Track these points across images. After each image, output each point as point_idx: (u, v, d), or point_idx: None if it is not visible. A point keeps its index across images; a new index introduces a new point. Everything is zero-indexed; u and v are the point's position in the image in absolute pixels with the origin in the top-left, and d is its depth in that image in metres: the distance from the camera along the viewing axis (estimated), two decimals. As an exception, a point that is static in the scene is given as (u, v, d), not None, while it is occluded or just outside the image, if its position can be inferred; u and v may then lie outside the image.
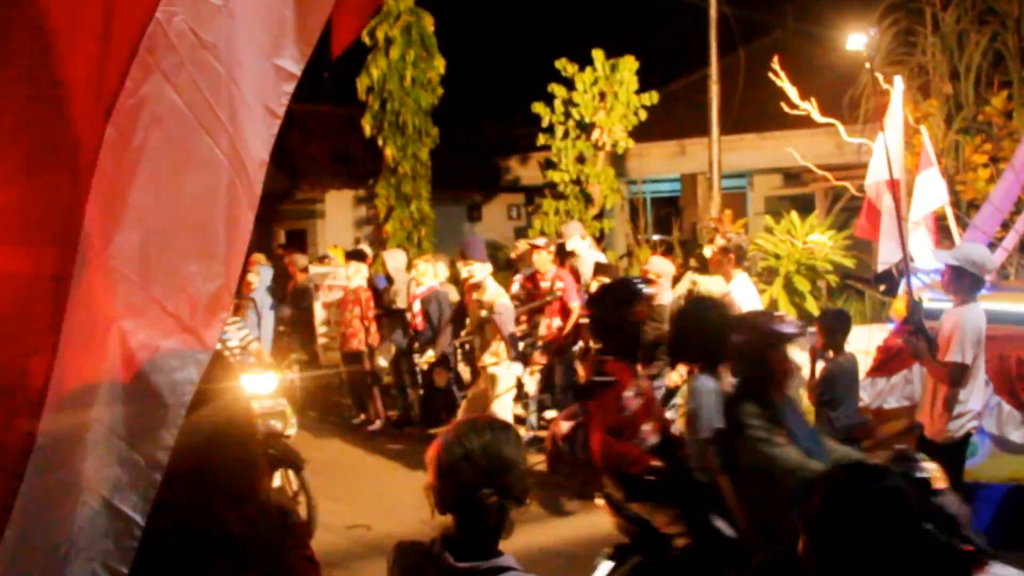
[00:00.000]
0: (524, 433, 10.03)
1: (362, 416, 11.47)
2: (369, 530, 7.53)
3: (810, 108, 10.50)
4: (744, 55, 15.06)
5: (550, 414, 10.41)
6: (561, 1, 23.79)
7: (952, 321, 6.05)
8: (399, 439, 10.60)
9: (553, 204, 14.91)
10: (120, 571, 1.80)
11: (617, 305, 5.63)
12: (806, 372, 7.34)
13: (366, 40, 14.51)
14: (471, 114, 20.82)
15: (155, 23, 1.87)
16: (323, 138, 19.54)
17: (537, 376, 9.32)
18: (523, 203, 21.30)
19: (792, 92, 10.39)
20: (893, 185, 7.56)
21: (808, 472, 3.80)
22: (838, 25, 12.74)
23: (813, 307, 10.58)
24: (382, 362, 11.28)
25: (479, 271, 8.82)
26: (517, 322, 9.66)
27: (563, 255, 9.94)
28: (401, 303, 11.25)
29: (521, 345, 9.34)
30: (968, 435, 6.13)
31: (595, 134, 14.61)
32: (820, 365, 6.89)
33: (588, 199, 14.82)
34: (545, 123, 14.66)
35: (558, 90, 14.49)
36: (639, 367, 5.85)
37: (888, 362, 7.64)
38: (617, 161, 15.86)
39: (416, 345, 10.66)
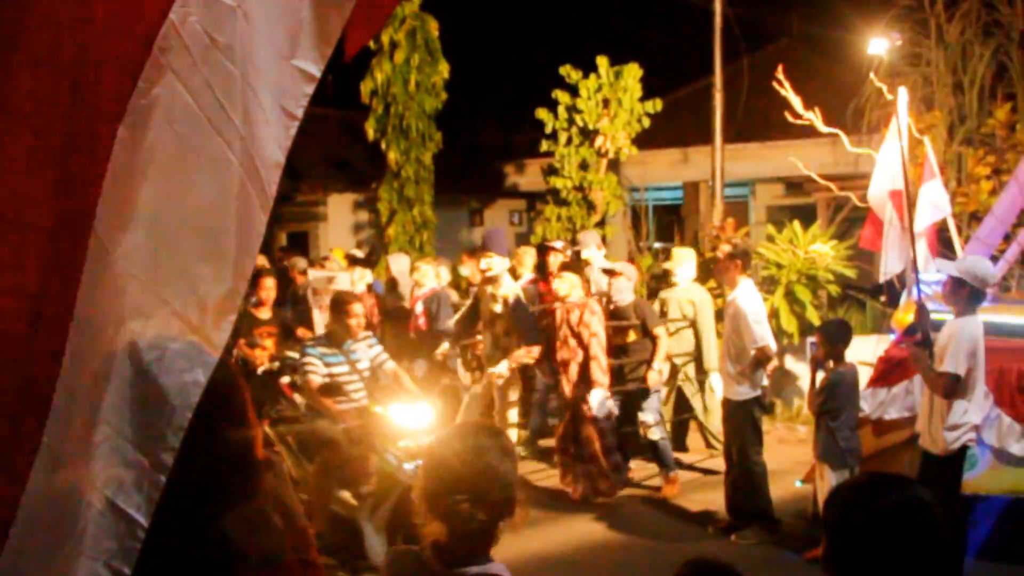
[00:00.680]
0: (521, 450, 10.01)
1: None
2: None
3: (814, 118, 10.51)
4: (748, 64, 15.07)
5: (551, 420, 10.42)
6: (566, 7, 23.81)
7: (949, 332, 6.07)
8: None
9: (555, 210, 14.91)
10: (123, 572, 1.80)
11: None
12: (806, 383, 7.36)
13: (370, 44, 14.50)
14: (475, 119, 20.84)
15: (168, 23, 1.87)
16: (326, 141, 19.55)
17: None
18: (525, 209, 21.31)
19: (796, 102, 10.40)
20: (896, 196, 7.58)
21: None
22: (843, 35, 12.79)
23: (814, 317, 10.58)
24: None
25: (498, 264, 8.83)
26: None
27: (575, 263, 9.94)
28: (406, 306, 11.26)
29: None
30: (965, 447, 6.13)
31: (598, 141, 14.61)
32: (820, 375, 6.89)
33: (590, 206, 14.81)
34: (548, 129, 14.67)
35: (562, 96, 14.50)
36: None
37: (889, 373, 7.64)
38: (620, 168, 15.87)
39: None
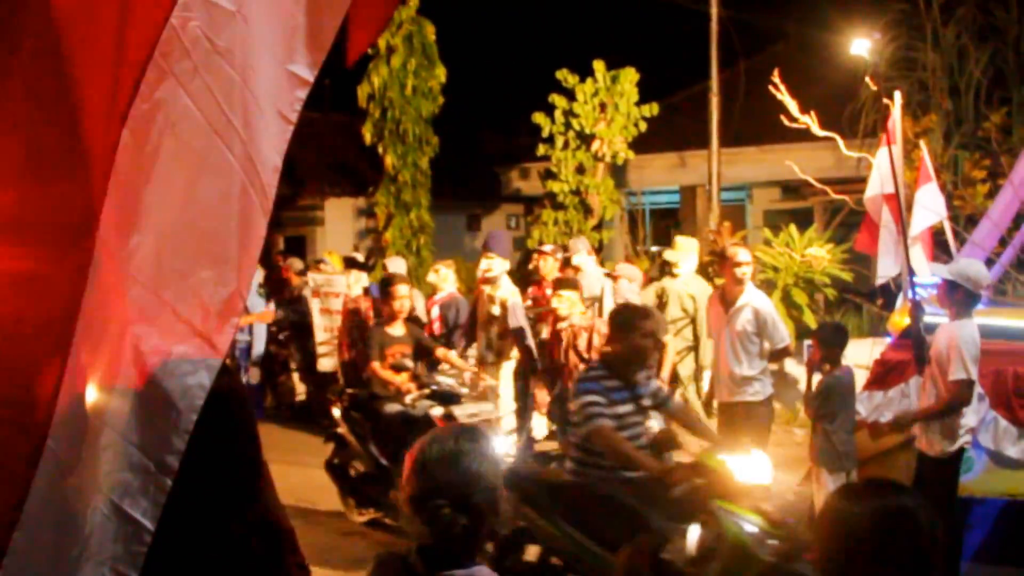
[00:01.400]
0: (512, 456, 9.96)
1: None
2: (364, 538, 7.52)
3: (810, 122, 10.53)
4: (744, 68, 15.10)
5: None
6: (563, 12, 23.85)
7: (947, 337, 6.07)
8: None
9: (552, 214, 14.92)
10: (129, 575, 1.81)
11: None
12: (803, 386, 7.37)
13: (368, 48, 14.54)
14: (472, 123, 20.85)
15: (169, 28, 1.89)
16: (323, 146, 19.56)
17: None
18: (522, 213, 21.32)
19: (792, 105, 10.42)
20: (892, 199, 7.60)
21: None
22: (839, 39, 12.81)
23: (811, 320, 10.60)
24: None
25: (498, 266, 8.79)
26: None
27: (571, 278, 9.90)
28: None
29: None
30: (962, 450, 6.15)
31: (595, 145, 14.63)
32: (816, 379, 6.90)
33: (587, 210, 14.83)
34: (545, 133, 14.68)
35: (559, 100, 14.51)
36: None
37: (885, 376, 7.64)
38: (617, 172, 15.89)
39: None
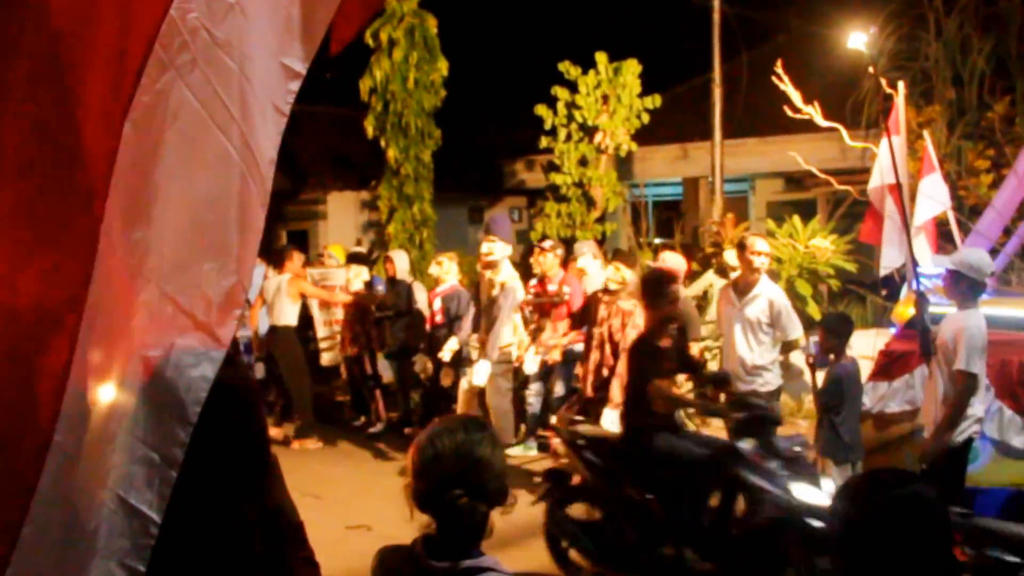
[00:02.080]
0: (520, 449, 9.98)
1: (363, 419, 11.47)
2: (370, 531, 7.53)
3: (813, 112, 10.51)
4: (747, 59, 15.06)
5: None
6: (565, 4, 23.80)
7: (953, 328, 6.05)
8: (400, 440, 10.61)
9: (555, 207, 14.91)
10: (137, 569, 1.80)
11: None
12: (807, 378, 7.36)
13: (369, 42, 14.50)
14: (474, 116, 20.82)
15: (169, 19, 1.88)
16: (325, 139, 19.54)
17: (539, 358, 9.20)
18: (525, 206, 21.30)
19: (795, 96, 10.40)
20: (896, 190, 7.58)
21: None
22: (841, 30, 12.77)
23: (815, 312, 10.59)
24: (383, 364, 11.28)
25: (499, 250, 8.81)
26: (525, 323, 9.67)
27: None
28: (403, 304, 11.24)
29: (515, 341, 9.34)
30: (970, 440, 6.14)
31: (598, 137, 14.61)
32: (819, 373, 6.90)
33: (590, 202, 14.81)
34: (548, 125, 14.66)
35: (561, 93, 14.49)
36: None
37: (890, 366, 7.64)
38: (620, 164, 15.88)
39: (422, 344, 10.61)
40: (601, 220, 14.80)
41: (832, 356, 6.85)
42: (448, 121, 15.68)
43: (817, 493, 5.48)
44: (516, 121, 17.55)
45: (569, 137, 14.68)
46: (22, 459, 1.75)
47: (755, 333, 7.29)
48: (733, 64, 14.76)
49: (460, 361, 10.00)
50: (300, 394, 10.61)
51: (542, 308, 9.77)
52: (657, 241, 15.66)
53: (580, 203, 14.79)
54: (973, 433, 6.12)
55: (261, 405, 2.65)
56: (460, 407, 9.26)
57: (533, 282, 10.02)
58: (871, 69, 10.43)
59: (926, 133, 9.56)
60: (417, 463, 2.43)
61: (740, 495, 5.77)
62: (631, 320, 7.94)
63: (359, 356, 11.13)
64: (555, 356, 9.26)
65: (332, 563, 3.02)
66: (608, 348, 8.08)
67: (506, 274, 8.83)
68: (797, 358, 7.72)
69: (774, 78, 10.58)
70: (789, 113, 10.55)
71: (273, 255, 11.30)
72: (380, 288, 11.51)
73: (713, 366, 9.59)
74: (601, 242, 13.93)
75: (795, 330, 7.34)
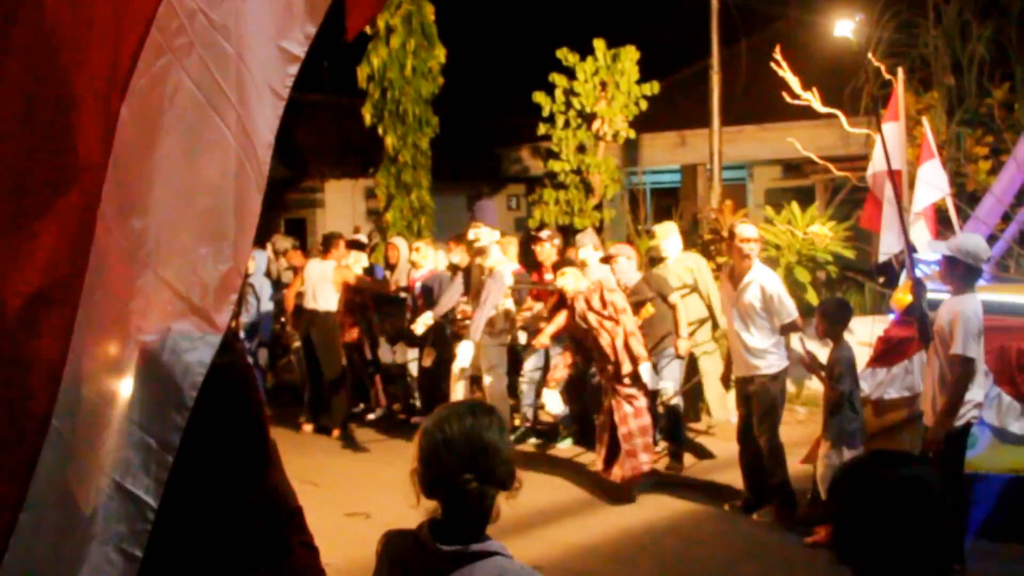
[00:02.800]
0: (519, 425, 10.03)
1: (361, 405, 11.48)
2: (368, 518, 7.53)
3: (812, 99, 10.48)
4: (746, 46, 15.01)
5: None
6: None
7: (950, 313, 6.06)
8: (399, 427, 10.62)
9: (553, 194, 14.88)
10: (134, 555, 1.80)
11: None
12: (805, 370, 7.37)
13: (367, 29, 14.44)
14: (472, 103, 20.77)
15: (166, 2, 1.87)
16: (323, 127, 19.50)
17: (557, 393, 9.18)
18: (523, 193, 21.27)
19: (794, 82, 10.37)
20: (893, 176, 7.57)
21: None
22: (840, 17, 12.74)
23: (814, 298, 10.58)
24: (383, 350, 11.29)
25: (485, 236, 8.86)
26: (518, 305, 9.70)
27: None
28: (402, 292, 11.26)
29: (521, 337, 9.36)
30: (968, 425, 6.14)
31: (596, 124, 14.58)
32: (812, 380, 6.91)
33: (588, 189, 14.79)
34: (546, 112, 14.62)
35: (559, 79, 14.45)
36: None
37: (888, 353, 7.65)
38: (618, 151, 15.83)
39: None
40: (599, 207, 14.78)
41: (828, 341, 6.87)
42: (446, 108, 15.64)
43: None
44: (514, 108, 17.50)
45: (567, 124, 14.64)
46: (19, 444, 1.74)
47: (752, 318, 7.33)
48: (731, 51, 14.71)
49: (445, 343, 10.02)
50: (335, 381, 10.55)
51: (542, 294, 9.82)
52: (655, 228, 15.63)
53: (578, 190, 14.77)
54: (971, 419, 6.13)
55: (258, 390, 2.64)
56: (452, 390, 9.26)
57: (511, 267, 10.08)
58: (871, 55, 10.41)
59: (925, 119, 9.54)
60: (425, 448, 2.43)
61: None
62: (603, 289, 8.03)
63: (359, 342, 11.13)
64: (543, 341, 9.24)
65: (331, 551, 3.03)
66: (610, 324, 7.99)
67: (494, 259, 8.87)
68: (795, 343, 7.73)
69: (772, 64, 10.55)
70: (788, 100, 10.52)
71: (322, 242, 11.27)
72: (380, 276, 11.52)
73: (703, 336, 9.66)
74: (599, 229, 13.92)
75: (788, 314, 7.33)
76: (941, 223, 8.88)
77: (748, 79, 14.50)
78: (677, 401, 8.72)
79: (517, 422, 10.08)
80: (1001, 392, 6.89)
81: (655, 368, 8.61)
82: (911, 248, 7.12)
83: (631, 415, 7.87)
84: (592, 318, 8.01)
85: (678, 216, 14.00)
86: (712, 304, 9.36)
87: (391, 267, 11.52)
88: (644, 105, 14.45)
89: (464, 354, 8.88)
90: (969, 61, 12.46)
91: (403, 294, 11.04)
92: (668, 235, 9.60)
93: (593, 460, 8.49)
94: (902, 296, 7.82)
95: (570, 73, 14.41)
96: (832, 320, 6.86)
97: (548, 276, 9.73)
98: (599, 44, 14.35)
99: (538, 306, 9.86)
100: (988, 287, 7.58)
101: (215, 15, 1.94)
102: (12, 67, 1.77)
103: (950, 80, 12.46)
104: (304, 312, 10.53)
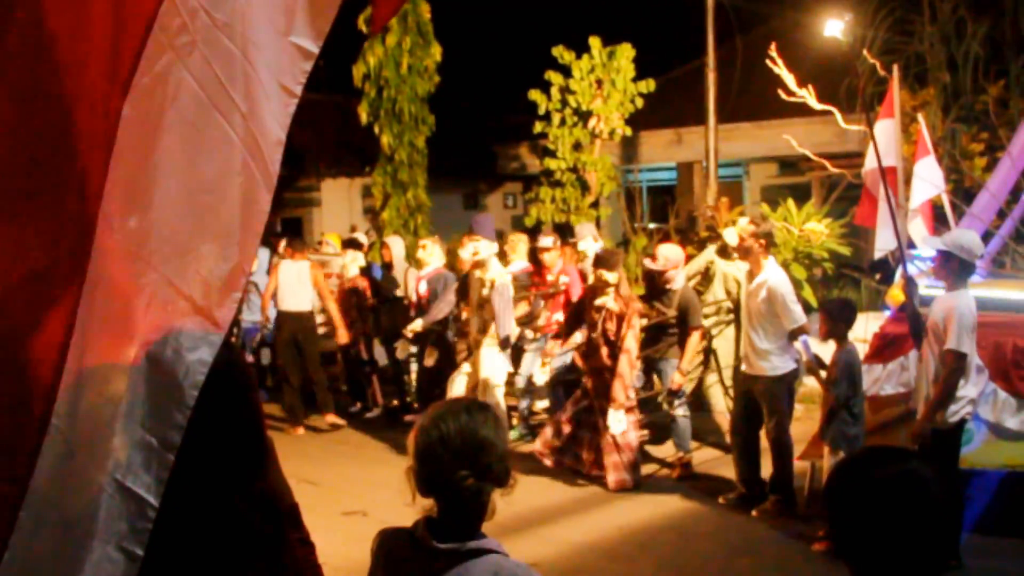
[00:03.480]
0: (516, 424, 10.03)
1: (358, 404, 11.48)
2: (365, 516, 7.54)
3: (807, 96, 10.48)
4: (741, 44, 15.02)
5: (541, 404, 10.43)
6: (557, -12, 23.67)
7: (944, 308, 6.08)
8: (396, 426, 10.62)
9: (549, 192, 14.88)
10: (135, 553, 1.80)
11: None
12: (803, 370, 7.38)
13: (362, 27, 14.43)
14: (468, 102, 20.76)
15: (168, 1, 1.87)
16: (319, 126, 19.46)
17: (548, 368, 9.24)
18: (520, 191, 21.27)
19: (789, 79, 10.38)
20: (890, 173, 7.59)
21: None
22: (835, 14, 12.74)
23: (810, 296, 10.59)
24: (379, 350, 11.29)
25: (484, 249, 8.87)
26: (518, 303, 9.71)
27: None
28: (399, 290, 11.25)
29: (517, 331, 9.35)
30: (963, 421, 6.17)
31: (592, 122, 14.58)
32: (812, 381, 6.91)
33: (585, 187, 14.79)
34: (542, 110, 14.62)
35: (555, 77, 14.44)
36: None
37: (884, 349, 7.67)
38: (614, 149, 15.82)
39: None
40: (596, 205, 14.78)
41: (832, 341, 6.87)
42: (442, 107, 15.62)
43: None
44: (510, 106, 17.50)
45: (563, 122, 14.64)
46: (19, 442, 1.75)
47: (759, 318, 7.37)
48: (727, 48, 14.72)
49: (446, 345, 10.03)
50: (321, 377, 10.83)
51: (545, 296, 9.87)
52: (651, 226, 15.66)
53: (575, 188, 14.77)
54: (967, 415, 6.15)
55: (256, 388, 2.65)
56: (449, 387, 9.26)
57: (519, 265, 10.10)
58: (866, 53, 10.43)
59: (920, 116, 9.56)
60: (420, 446, 2.42)
61: None
62: (627, 319, 8.05)
63: (355, 341, 11.13)
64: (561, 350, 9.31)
65: (328, 549, 3.03)
66: (605, 351, 8.13)
67: (495, 272, 8.87)
68: (798, 343, 7.74)
69: (768, 62, 10.56)
70: (783, 97, 10.53)
71: (287, 243, 11.29)
72: (378, 274, 11.52)
73: (720, 344, 9.67)
74: (596, 227, 13.91)
75: (793, 320, 7.27)
76: (937, 220, 8.90)
77: (744, 76, 14.51)
78: (683, 410, 8.69)
79: (515, 420, 10.09)
80: (996, 388, 6.91)
81: (657, 370, 8.68)
82: (907, 244, 7.14)
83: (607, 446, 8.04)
84: (598, 337, 8.14)
85: (674, 214, 14.01)
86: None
87: (387, 266, 11.52)
88: (640, 103, 14.45)
89: (495, 367, 8.89)
90: (964, 58, 12.49)
91: (398, 292, 11.06)
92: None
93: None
94: (898, 292, 7.84)
95: (566, 71, 14.41)
96: (835, 320, 6.85)
97: (549, 277, 9.84)
98: (595, 42, 14.34)
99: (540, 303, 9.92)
100: (984, 283, 7.61)
101: (218, 13, 1.93)
102: (12, 67, 1.77)
103: (945, 77, 12.48)
104: (279, 314, 10.65)
